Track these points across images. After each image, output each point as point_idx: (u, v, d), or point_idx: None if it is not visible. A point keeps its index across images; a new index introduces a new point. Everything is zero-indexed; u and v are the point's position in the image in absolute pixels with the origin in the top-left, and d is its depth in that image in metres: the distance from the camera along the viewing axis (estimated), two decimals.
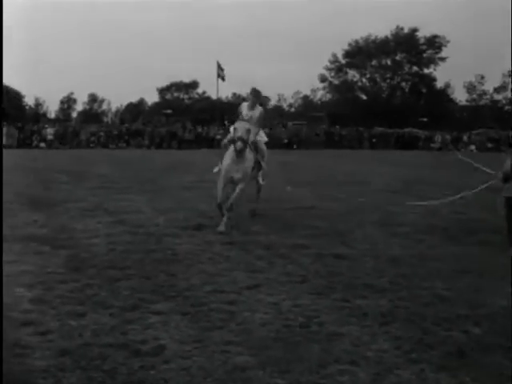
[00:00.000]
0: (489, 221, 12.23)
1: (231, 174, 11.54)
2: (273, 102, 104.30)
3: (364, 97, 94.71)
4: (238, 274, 8.09)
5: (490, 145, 60.25)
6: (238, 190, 11.59)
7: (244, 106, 12.29)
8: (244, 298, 7.02)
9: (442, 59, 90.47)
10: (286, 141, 56.33)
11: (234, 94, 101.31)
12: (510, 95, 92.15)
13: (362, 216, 13.21)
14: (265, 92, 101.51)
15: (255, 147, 12.09)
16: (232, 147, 11.49)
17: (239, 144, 11.21)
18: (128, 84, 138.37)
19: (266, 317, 6.33)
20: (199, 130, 59.29)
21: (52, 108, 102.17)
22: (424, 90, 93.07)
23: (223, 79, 58.86)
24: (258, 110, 12.26)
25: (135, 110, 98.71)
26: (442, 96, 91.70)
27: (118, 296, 6.93)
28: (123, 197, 15.76)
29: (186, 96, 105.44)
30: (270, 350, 5.41)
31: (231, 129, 11.94)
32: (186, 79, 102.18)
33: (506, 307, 6.90)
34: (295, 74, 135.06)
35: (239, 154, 11.32)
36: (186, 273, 8.03)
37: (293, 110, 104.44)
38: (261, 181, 12.87)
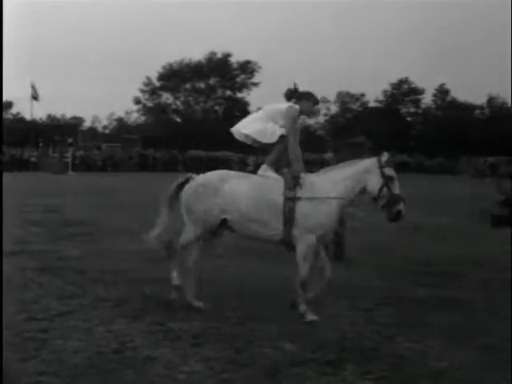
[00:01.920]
0: None
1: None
2: (87, 124, 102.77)
3: (178, 120, 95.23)
4: (51, 300, 7.93)
5: None
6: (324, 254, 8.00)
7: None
8: (56, 325, 6.89)
9: (255, 84, 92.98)
10: (100, 163, 55.63)
11: (49, 116, 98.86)
12: (322, 120, 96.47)
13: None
14: (79, 113, 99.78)
15: None
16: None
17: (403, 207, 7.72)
18: None
19: (79, 344, 6.25)
20: (13, 151, 57.24)
21: None
22: (238, 114, 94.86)
23: (36, 99, 57.51)
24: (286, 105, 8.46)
25: None
26: None
27: None
28: None
29: None
30: (83, 378, 5.37)
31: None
32: None
33: (320, 322, 7.25)
34: (110, 96, 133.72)
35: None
36: None
37: (107, 131, 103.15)
38: None
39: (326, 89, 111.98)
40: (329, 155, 12.49)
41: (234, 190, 7.75)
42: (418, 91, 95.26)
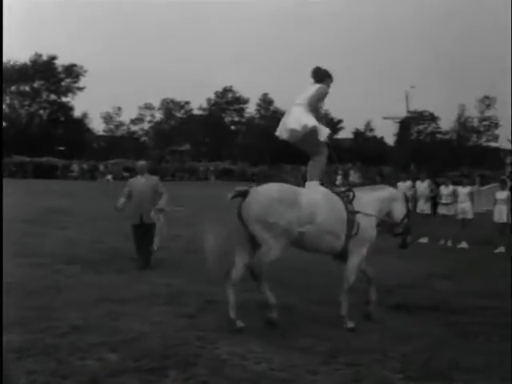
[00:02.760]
0: (126, 249, 12.68)
1: None
2: None
3: (3, 123, 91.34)
4: None
5: (125, 174, 62.03)
6: None
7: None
8: None
9: (80, 89, 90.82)
10: None
11: None
12: (145, 127, 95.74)
13: None
14: None
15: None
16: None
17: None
18: None
19: None
20: None
21: None
22: (62, 119, 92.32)
23: None
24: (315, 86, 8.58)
25: None
26: (80, 125, 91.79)
27: None
28: None
29: None
30: None
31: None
32: None
33: (144, 332, 7.38)
34: None
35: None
36: None
37: None
38: None
39: (151, 95, 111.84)
40: (141, 162, 12.36)
41: (312, 202, 7.83)
42: (242, 100, 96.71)
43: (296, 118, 8.21)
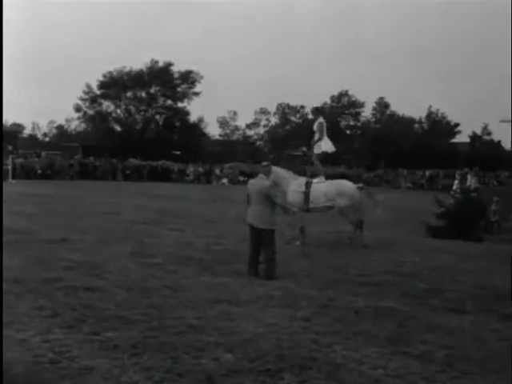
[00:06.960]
0: (242, 251, 12.63)
1: None
2: (27, 131, 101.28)
3: (119, 128, 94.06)
4: None
5: (241, 178, 62.52)
6: None
7: None
8: None
9: (196, 94, 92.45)
10: (39, 171, 54.62)
11: None
12: (261, 131, 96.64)
13: (115, 247, 13.16)
14: (19, 120, 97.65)
15: None
16: None
17: None
18: None
19: (14, 355, 6.12)
20: None
21: None
22: (178, 124, 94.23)
23: None
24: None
25: None
26: (195, 130, 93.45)
27: None
28: None
29: None
30: None
31: None
32: None
33: (259, 333, 7.25)
34: (50, 103, 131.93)
35: None
36: None
37: (47, 139, 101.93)
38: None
39: (266, 99, 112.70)
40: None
41: None
42: (357, 104, 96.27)
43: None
